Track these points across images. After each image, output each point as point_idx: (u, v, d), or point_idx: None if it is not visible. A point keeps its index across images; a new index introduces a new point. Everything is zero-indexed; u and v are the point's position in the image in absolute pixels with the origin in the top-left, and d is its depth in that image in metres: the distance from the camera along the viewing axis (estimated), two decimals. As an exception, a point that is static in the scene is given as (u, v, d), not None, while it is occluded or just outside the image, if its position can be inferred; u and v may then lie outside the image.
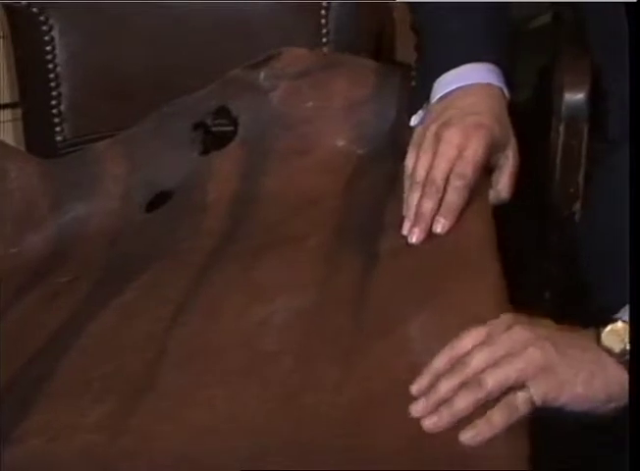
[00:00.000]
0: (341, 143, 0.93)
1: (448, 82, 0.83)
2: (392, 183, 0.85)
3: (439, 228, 0.75)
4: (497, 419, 0.55)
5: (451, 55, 0.84)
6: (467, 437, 0.55)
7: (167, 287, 0.80)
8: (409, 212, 0.76)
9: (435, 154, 0.77)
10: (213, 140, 0.95)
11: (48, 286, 0.86)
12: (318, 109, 0.93)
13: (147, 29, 1.15)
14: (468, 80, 0.82)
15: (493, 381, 0.57)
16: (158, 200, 0.94)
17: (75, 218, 0.93)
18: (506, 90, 0.83)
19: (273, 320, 0.72)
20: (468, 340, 0.60)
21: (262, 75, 0.95)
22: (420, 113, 0.86)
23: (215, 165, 0.95)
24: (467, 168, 0.76)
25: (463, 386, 0.57)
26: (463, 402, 0.57)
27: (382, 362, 0.64)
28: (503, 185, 0.81)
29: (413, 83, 0.95)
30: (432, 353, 0.61)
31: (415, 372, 0.60)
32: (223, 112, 0.95)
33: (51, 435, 0.63)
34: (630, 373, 0.56)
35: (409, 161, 0.80)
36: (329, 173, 0.91)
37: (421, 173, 0.77)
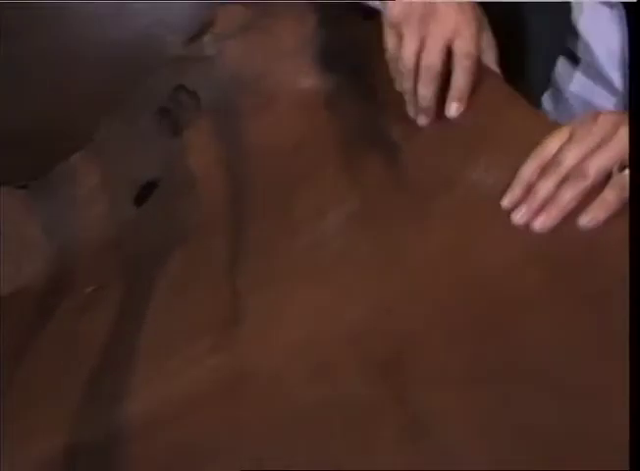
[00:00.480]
0: (306, 84, 0.92)
1: None
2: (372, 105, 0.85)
3: (453, 111, 0.73)
4: (610, 199, 0.56)
5: None
6: (585, 221, 0.56)
7: (202, 266, 0.79)
8: (410, 98, 0.75)
9: (425, 36, 0.73)
10: (180, 120, 0.95)
11: (72, 300, 0.84)
12: (270, 58, 0.93)
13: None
14: None
15: (595, 168, 0.57)
16: (146, 192, 0.93)
17: (70, 234, 0.92)
18: None
19: (329, 232, 0.72)
20: (554, 142, 0.60)
21: (205, 43, 0.96)
22: None
23: (189, 142, 0.94)
24: (471, 46, 0.72)
25: (564, 181, 0.57)
26: (569, 194, 0.57)
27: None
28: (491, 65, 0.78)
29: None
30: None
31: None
32: (181, 91, 0.95)
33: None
34: (630, 372, 0.56)
35: (391, 44, 0.75)
36: (304, 115, 0.89)
37: (411, 58, 0.73)
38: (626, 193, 0.55)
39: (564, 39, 0.82)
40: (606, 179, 0.57)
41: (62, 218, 0.92)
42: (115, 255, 0.88)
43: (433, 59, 0.72)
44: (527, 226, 0.59)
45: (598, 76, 0.79)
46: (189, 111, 0.95)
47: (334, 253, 0.69)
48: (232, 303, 0.68)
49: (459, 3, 0.73)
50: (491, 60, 0.76)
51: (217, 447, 0.56)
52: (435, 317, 0.57)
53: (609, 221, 0.55)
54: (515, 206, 0.60)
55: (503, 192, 0.62)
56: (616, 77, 0.77)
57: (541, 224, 0.57)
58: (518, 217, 0.59)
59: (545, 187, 0.58)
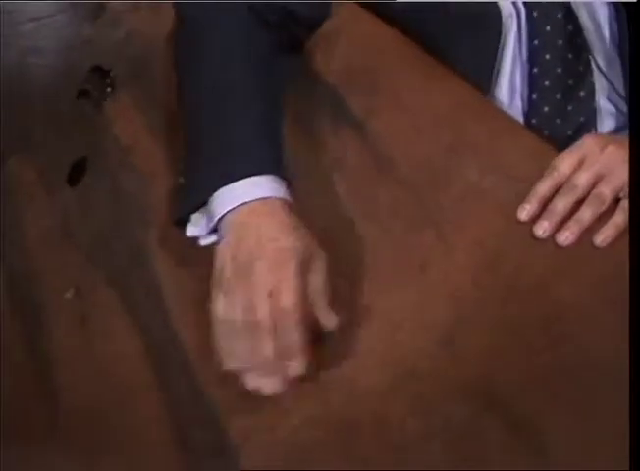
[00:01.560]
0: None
1: (232, 197, 0.74)
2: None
3: None
4: (620, 221, 0.68)
5: (232, 167, 0.76)
6: (600, 240, 0.68)
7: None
8: None
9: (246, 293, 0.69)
10: (100, 99, 0.94)
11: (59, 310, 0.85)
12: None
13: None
14: (251, 196, 0.74)
15: (609, 192, 0.69)
16: (77, 172, 0.93)
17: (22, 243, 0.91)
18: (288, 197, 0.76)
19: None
20: (566, 165, 0.70)
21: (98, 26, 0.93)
22: (200, 222, 0.78)
23: (112, 116, 0.94)
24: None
25: (583, 202, 0.69)
26: (589, 214, 0.68)
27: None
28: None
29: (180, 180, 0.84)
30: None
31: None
32: (96, 71, 0.92)
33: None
34: (630, 372, 0.61)
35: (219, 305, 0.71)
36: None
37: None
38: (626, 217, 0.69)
39: None
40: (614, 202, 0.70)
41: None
42: (72, 247, 0.89)
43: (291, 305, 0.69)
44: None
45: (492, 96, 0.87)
46: (107, 89, 0.95)
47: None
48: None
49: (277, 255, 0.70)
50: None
51: None
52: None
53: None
54: (532, 219, 0.71)
55: (506, 199, 0.73)
56: (513, 97, 0.86)
57: (566, 239, 0.69)
58: (541, 231, 0.70)
59: (562, 206, 0.70)
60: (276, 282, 0.69)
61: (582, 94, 0.85)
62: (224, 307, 0.70)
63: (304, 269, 0.70)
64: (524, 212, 0.71)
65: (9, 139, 0.97)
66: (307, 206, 0.78)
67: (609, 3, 0.82)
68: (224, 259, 0.71)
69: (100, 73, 0.96)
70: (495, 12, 0.83)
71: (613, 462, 0.59)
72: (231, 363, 0.69)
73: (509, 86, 0.86)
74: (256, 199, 0.73)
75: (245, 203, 0.73)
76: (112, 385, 0.78)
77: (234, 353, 0.69)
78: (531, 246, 0.71)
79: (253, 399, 0.71)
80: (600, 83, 0.85)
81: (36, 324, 0.86)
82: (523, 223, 0.71)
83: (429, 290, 0.72)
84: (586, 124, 0.85)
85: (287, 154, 0.80)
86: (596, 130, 0.85)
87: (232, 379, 0.71)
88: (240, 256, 0.71)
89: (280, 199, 0.74)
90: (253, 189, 0.74)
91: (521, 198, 0.72)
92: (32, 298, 0.88)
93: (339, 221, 0.79)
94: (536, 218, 0.71)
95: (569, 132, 0.85)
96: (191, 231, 0.77)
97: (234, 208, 0.73)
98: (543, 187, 0.71)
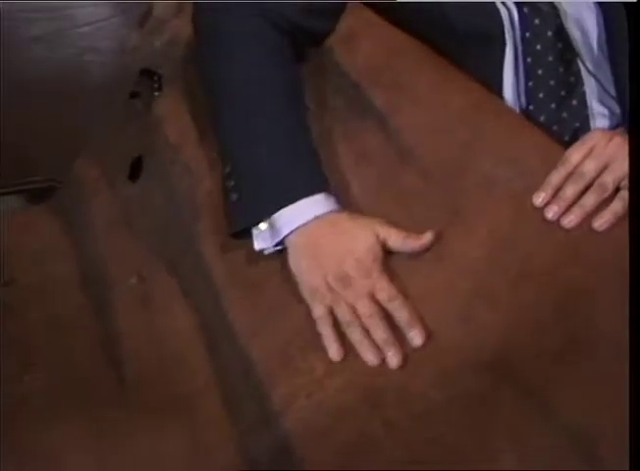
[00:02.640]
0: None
1: (296, 215, 0.83)
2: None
3: None
4: (618, 208, 0.74)
5: (294, 187, 0.84)
6: (599, 224, 0.75)
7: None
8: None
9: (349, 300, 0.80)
10: (149, 99, 1.02)
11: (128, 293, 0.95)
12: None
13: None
14: (314, 212, 0.84)
15: (612, 181, 0.75)
16: (136, 168, 1.02)
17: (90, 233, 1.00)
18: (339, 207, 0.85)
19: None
20: (576, 155, 0.77)
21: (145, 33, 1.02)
22: (263, 236, 0.86)
23: (160, 113, 1.02)
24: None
25: (587, 189, 0.76)
26: (592, 201, 0.75)
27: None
28: None
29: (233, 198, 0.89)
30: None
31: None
32: (145, 74, 1.00)
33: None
34: (630, 372, 0.65)
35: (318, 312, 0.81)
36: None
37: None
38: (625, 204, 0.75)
39: None
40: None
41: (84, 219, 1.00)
42: (134, 237, 0.99)
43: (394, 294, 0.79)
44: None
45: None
46: (155, 90, 1.03)
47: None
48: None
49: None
50: None
51: (373, 444, 0.73)
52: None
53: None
54: (545, 205, 0.77)
55: (518, 190, 0.79)
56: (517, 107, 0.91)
57: (570, 222, 0.76)
58: (551, 215, 0.77)
59: (571, 192, 0.76)
60: (371, 286, 0.80)
61: (574, 102, 0.90)
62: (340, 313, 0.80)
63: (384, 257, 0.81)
64: (539, 199, 0.77)
65: (74, 137, 1.07)
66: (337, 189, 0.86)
67: (595, 10, 0.88)
68: (305, 273, 0.82)
69: (149, 75, 1.03)
70: (497, 27, 0.88)
71: (614, 426, 0.65)
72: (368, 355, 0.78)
73: (511, 98, 0.91)
74: (316, 217, 0.83)
75: (308, 222, 0.83)
76: (169, 357, 0.87)
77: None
78: (541, 232, 0.77)
79: (292, 371, 0.79)
80: (591, 88, 0.90)
81: (105, 302, 0.96)
82: (533, 212, 0.78)
83: (449, 270, 0.79)
84: (581, 128, 0.91)
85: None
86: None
87: (275, 354, 0.81)
88: (329, 275, 0.81)
89: (337, 211, 0.84)
90: (313, 208, 0.83)
91: (531, 189, 0.78)
92: (100, 280, 0.98)
93: (369, 207, 0.86)
94: (547, 204, 0.78)
95: (566, 138, 0.90)
96: (258, 245, 0.86)
97: (298, 227, 0.82)
98: (556, 176, 0.77)
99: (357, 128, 0.90)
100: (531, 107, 0.90)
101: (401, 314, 0.78)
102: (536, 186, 0.79)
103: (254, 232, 0.86)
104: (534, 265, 0.76)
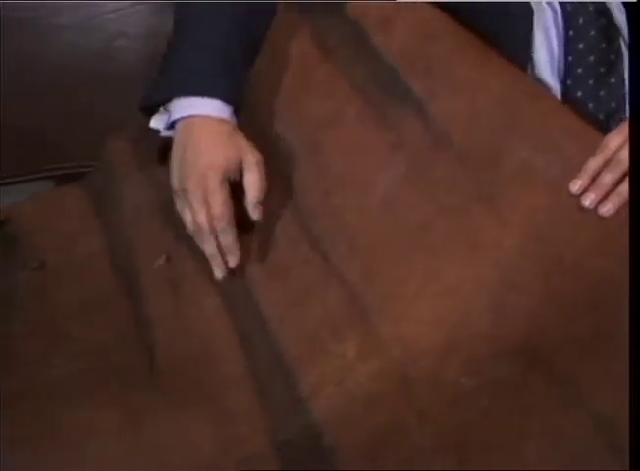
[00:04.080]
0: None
1: (188, 106, 0.93)
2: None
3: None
4: (625, 191, 0.75)
5: (197, 82, 0.94)
6: (605, 209, 0.76)
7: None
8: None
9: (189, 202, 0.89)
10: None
11: (157, 276, 0.95)
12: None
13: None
14: (202, 110, 0.93)
15: None
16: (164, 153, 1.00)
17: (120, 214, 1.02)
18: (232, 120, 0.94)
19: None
20: (615, 143, 0.77)
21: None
22: (161, 117, 0.97)
23: None
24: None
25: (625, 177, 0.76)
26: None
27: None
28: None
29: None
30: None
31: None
32: None
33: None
34: (630, 372, 0.67)
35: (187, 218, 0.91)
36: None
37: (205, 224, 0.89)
38: None
39: None
40: None
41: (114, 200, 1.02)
42: (163, 219, 0.99)
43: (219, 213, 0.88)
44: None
45: (536, 80, 0.94)
46: None
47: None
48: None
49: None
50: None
51: (405, 431, 0.73)
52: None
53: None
54: (582, 193, 0.78)
55: (555, 176, 0.79)
56: (554, 82, 0.93)
57: (607, 210, 0.76)
58: (588, 203, 0.77)
59: (608, 179, 0.77)
60: (205, 193, 0.88)
61: (613, 81, 0.91)
62: (183, 211, 0.90)
63: (234, 175, 0.89)
64: (576, 186, 0.78)
65: (106, 118, 1.08)
66: (367, 181, 0.87)
67: None
68: (172, 173, 0.92)
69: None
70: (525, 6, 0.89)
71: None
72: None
73: (549, 73, 0.92)
74: (206, 115, 0.91)
75: (196, 115, 0.91)
76: (199, 342, 0.88)
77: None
78: (576, 222, 0.78)
79: (322, 356, 0.80)
80: None
81: (134, 285, 0.96)
82: (569, 200, 0.78)
83: (481, 259, 0.80)
84: (617, 110, 0.91)
85: (348, 124, 0.92)
86: (625, 115, 0.91)
87: (305, 339, 0.82)
88: (181, 173, 0.90)
89: (222, 119, 0.92)
90: (204, 106, 0.92)
91: (567, 175, 0.79)
92: (130, 262, 0.98)
93: (398, 193, 0.87)
94: (583, 192, 0.78)
95: (601, 117, 0.91)
96: (155, 122, 0.97)
97: (186, 116, 0.92)
98: (594, 163, 0.78)
99: (394, 114, 0.90)
100: (569, 82, 0.91)
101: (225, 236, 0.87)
102: (573, 173, 0.79)
103: (156, 112, 0.96)
104: (567, 255, 0.77)
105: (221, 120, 0.92)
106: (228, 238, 0.88)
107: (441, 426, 0.72)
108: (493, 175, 0.83)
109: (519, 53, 0.91)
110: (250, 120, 0.97)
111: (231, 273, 0.89)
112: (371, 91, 0.93)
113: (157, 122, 0.97)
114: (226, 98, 0.93)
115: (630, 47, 0.85)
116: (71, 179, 1.20)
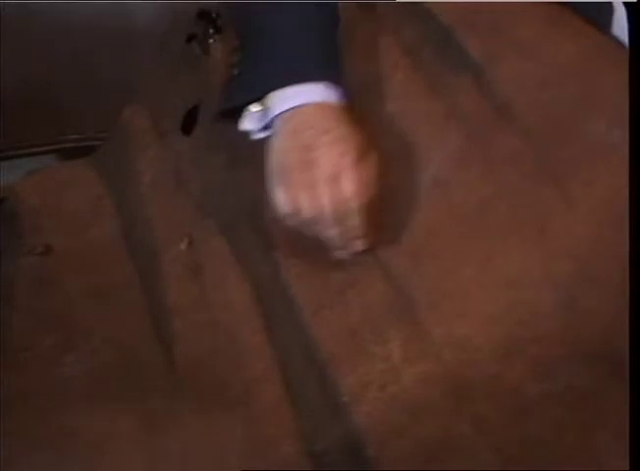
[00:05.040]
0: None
1: (291, 97, 0.82)
2: None
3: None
4: None
5: (296, 70, 0.84)
6: None
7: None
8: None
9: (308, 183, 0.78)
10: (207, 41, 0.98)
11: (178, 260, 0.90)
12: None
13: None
14: (309, 99, 0.82)
15: None
16: (190, 119, 0.96)
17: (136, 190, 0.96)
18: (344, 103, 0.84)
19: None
20: None
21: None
22: (254, 116, 0.85)
23: (218, 56, 0.96)
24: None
25: None
26: None
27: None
28: None
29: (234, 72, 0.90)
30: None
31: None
32: (203, 16, 0.94)
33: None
34: (630, 372, 0.63)
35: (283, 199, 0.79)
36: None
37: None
38: None
39: None
40: None
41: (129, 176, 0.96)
42: (184, 196, 0.93)
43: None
44: None
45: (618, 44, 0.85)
46: (212, 32, 0.97)
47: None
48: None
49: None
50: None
51: (460, 443, 0.68)
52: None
53: None
54: None
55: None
56: None
57: None
58: None
59: None
60: (337, 170, 0.77)
61: None
62: (289, 200, 0.78)
63: (362, 159, 0.78)
64: None
65: (121, 86, 1.01)
66: (416, 157, 0.81)
67: None
68: (281, 152, 0.80)
69: (206, 17, 0.97)
70: None
71: None
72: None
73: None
74: (314, 102, 0.81)
75: (303, 105, 0.81)
76: (224, 336, 0.83)
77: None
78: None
79: (364, 357, 0.74)
80: None
81: (152, 271, 0.91)
82: None
83: (549, 248, 0.72)
84: None
85: (395, 91, 0.85)
86: None
87: (344, 337, 0.76)
88: (297, 148, 0.79)
89: (336, 104, 0.82)
90: (311, 94, 0.81)
91: None
92: (147, 245, 0.93)
93: (453, 170, 0.80)
94: None
95: None
96: (245, 125, 0.85)
97: (291, 108, 0.81)
98: None
99: (448, 80, 0.83)
100: None
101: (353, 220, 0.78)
102: None
103: (245, 112, 0.85)
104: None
105: (335, 104, 0.82)
106: (357, 223, 0.78)
107: (502, 438, 0.67)
108: (563, 152, 0.75)
109: (600, 13, 0.82)
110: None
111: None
112: (422, 55, 0.86)
113: (251, 122, 0.85)
114: (335, 80, 0.83)
115: (630, 47, 0.76)
116: (78, 153, 1.13)
